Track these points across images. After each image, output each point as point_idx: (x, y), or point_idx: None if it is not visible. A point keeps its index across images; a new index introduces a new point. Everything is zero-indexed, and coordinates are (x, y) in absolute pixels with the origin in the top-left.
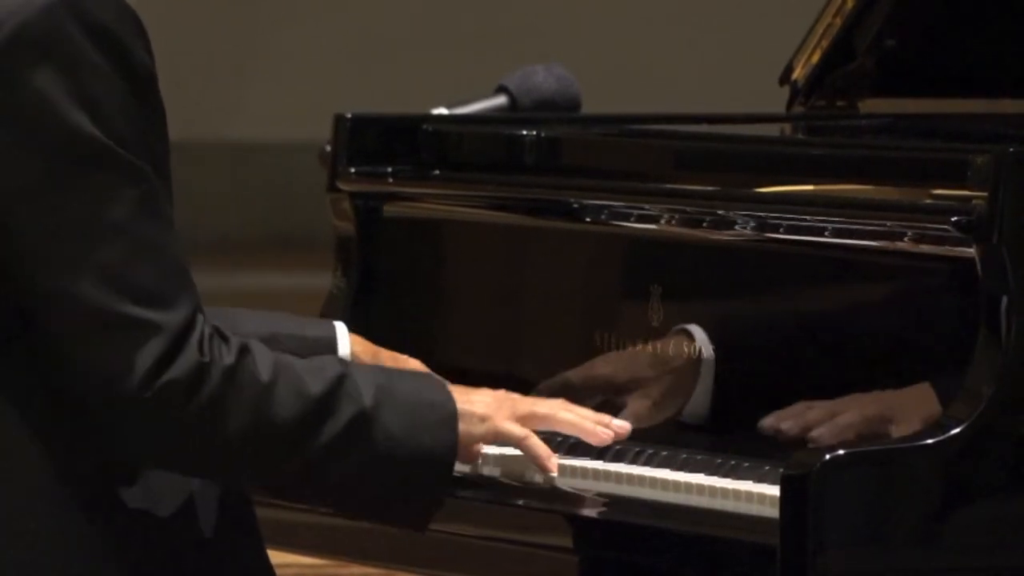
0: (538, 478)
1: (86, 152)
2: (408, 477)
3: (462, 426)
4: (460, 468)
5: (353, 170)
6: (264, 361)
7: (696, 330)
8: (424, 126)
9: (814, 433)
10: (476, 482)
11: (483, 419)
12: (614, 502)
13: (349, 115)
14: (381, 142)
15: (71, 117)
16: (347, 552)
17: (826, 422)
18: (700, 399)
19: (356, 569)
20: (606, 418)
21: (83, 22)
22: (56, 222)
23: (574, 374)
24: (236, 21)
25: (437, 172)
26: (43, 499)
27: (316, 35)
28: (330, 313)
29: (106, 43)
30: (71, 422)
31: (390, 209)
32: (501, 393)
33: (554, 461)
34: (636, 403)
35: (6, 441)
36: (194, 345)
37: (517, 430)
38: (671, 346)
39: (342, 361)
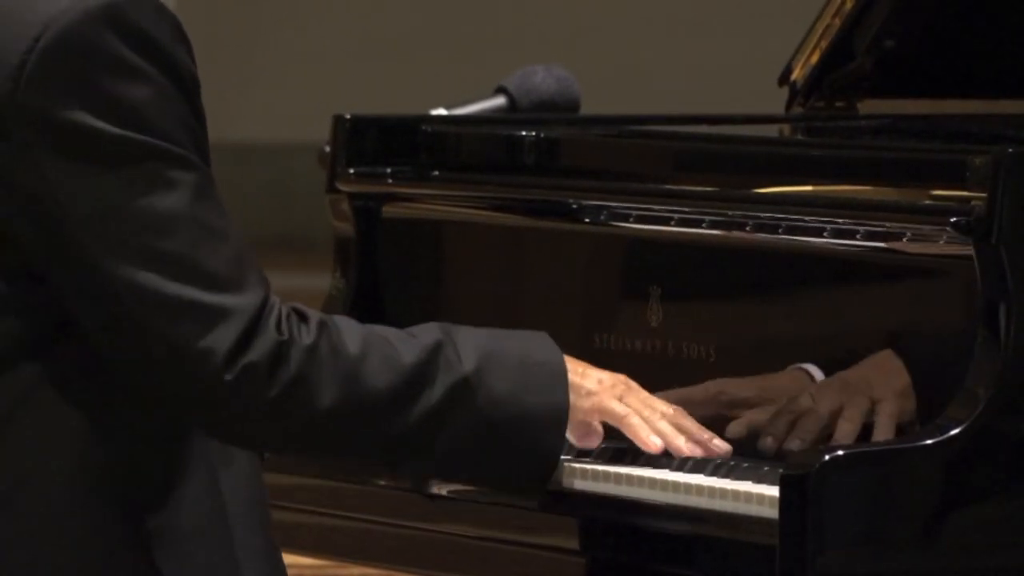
0: (577, 485)
1: (138, 151)
2: (517, 440)
3: (571, 397)
4: (568, 486)
5: (352, 171)
6: (352, 335)
7: (816, 371)
8: (423, 127)
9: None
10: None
11: (590, 393)
12: (614, 503)
13: (348, 116)
14: (380, 143)
15: (112, 122)
16: (347, 553)
17: (844, 429)
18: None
19: (356, 570)
20: (707, 434)
21: (123, 28)
22: (113, 216)
23: (700, 389)
24: (236, 24)
25: (436, 173)
26: (68, 506)
27: (316, 37)
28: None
29: (146, 48)
30: (103, 437)
31: (389, 210)
32: (620, 377)
33: (654, 440)
34: (755, 415)
35: (31, 453)
36: (271, 326)
37: (620, 408)
38: (793, 379)
39: (443, 328)
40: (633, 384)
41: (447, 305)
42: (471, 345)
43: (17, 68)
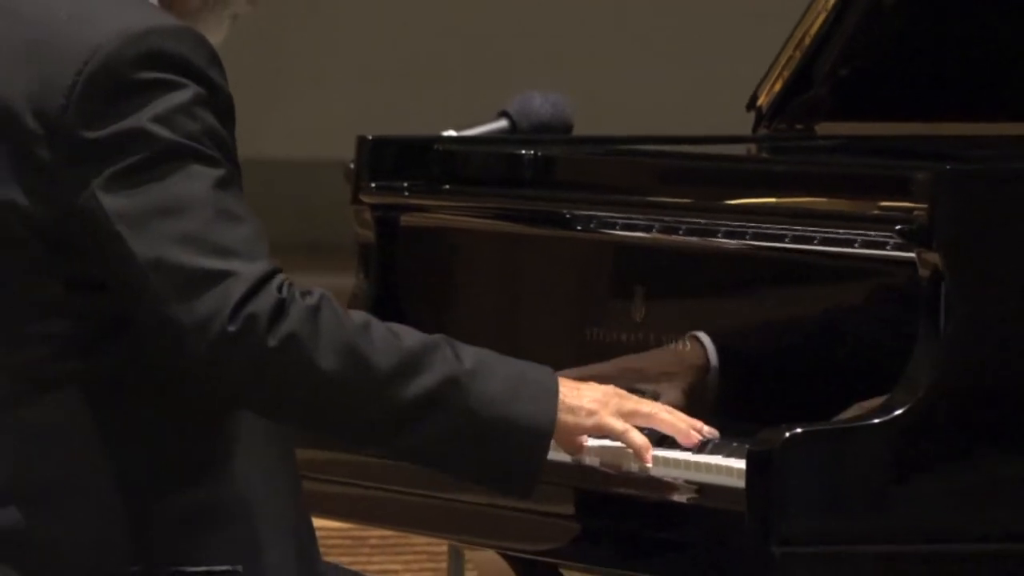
0: (634, 467)
1: (167, 152)
2: (507, 441)
3: (571, 417)
4: (563, 457)
5: (373, 185)
6: (357, 313)
7: (705, 339)
8: (435, 146)
9: None
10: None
11: (591, 413)
12: (604, 475)
13: (370, 137)
14: (398, 160)
15: (154, 130)
16: (370, 517)
17: None
18: (710, 396)
19: (376, 532)
20: (698, 423)
21: (159, 52)
22: (143, 206)
23: (611, 366)
24: (269, 54)
25: (447, 187)
26: (127, 479)
27: (342, 66)
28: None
29: (182, 68)
30: (160, 417)
31: (406, 219)
32: (610, 389)
33: (651, 453)
34: (671, 395)
35: (101, 432)
36: (273, 287)
37: (619, 424)
38: (689, 348)
39: (446, 337)
40: (622, 392)
41: (457, 302)
42: (471, 352)
43: (69, 88)
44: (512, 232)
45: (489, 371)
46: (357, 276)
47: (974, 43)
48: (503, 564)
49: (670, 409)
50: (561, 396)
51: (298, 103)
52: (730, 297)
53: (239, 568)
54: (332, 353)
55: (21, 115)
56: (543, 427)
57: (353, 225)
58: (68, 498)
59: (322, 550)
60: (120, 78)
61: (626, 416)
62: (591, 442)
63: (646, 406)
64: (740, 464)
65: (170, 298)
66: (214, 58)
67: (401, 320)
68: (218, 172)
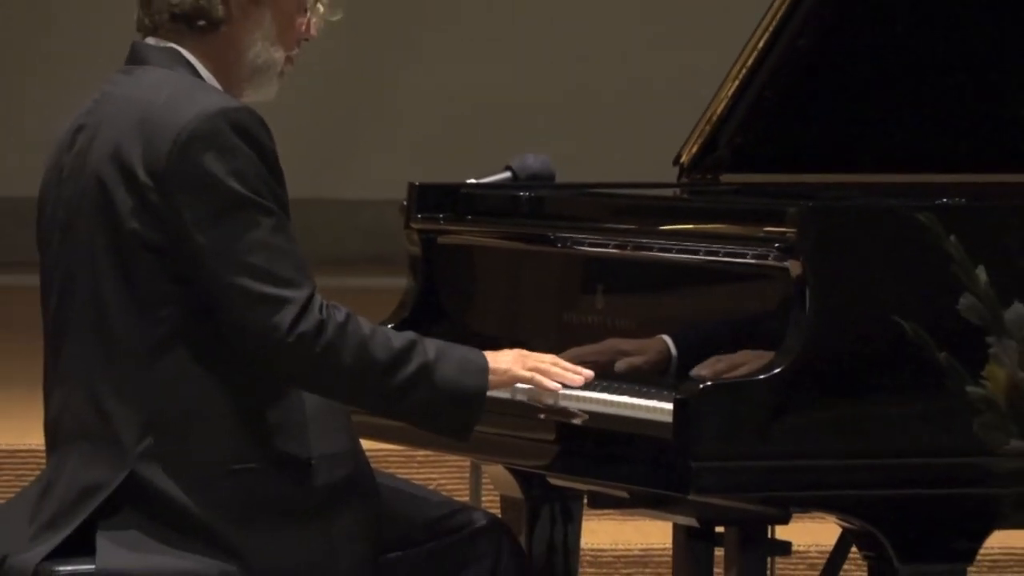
0: (548, 400)
1: (238, 202)
2: (456, 406)
3: (494, 377)
4: (502, 394)
5: (419, 216)
6: (365, 323)
7: (668, 340)
8: (461, 190)
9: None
10: (509, 403)
11: (505, 371)
12: (562, 411)
13: (417, 183)
14: (435, 199)
15: (227, 182)
16: (416, 442)
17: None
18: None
19: (422, 451)
20: (579, 368)
21: (232, 124)
22: (223, 244)
23: (596, 346)
24: (349, 128)
25: (469, 217)
26: (226, 414)
27: (398, 135)
28: (406, 303)
29: (247, 136)
30: (240, 366)
31: (442, 239)
32: (517, 352)
33: (555, 385)
34: (634, 360)
35: (208, 380)
36: (316, 309)
37: (526, 374)
38: (656, 342)
39: (416, 334)
40: (526, 352)
41: (476, 297)
42: (432, 344)
43: (167, 153)
44: (514, 248)
45: (446, 358)
46: (408, 279)
47: (834, 116)
48: (508, 474)
49: (558, 360)
50: (489, 364)
51: (371, 162)
52: (662, 292)
53: (312, 459)
54: (353, 354)
55: (137, 172)
56: (479, 395)
57: (406, 244)
58: (190, 424)
59: (382, 464)
60: (202, 145)
61: (530, 369)
62: (520, 386)
63: (544, 363)
64: (669, 406)
65: (243, 312)
66: (263, 124)
67: (437, 309)
68: (272, 219)
